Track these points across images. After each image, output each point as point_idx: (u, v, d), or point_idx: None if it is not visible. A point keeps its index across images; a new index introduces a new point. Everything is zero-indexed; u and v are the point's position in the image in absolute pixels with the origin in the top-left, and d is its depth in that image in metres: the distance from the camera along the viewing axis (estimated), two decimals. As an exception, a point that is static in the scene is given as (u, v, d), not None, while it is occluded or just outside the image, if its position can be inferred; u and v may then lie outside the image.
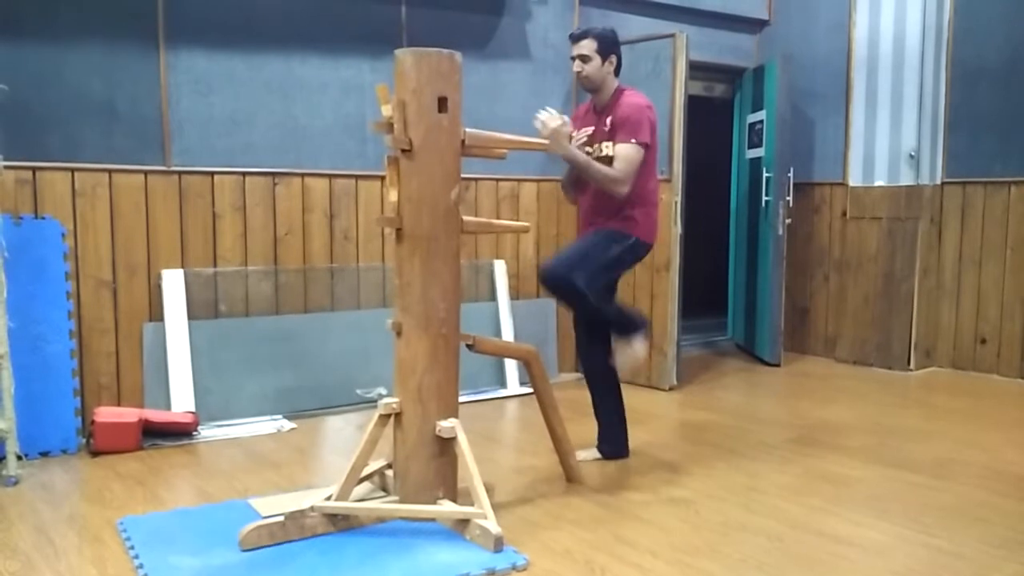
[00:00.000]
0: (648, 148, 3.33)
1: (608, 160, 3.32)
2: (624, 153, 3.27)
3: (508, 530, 2.75)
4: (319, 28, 4.40)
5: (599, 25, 3.56)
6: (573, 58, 3.39)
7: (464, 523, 2.71)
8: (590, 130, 3.42)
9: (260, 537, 2.63)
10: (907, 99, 5.43)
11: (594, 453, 3.60)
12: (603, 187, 3.29)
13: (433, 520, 2.81)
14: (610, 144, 3.34)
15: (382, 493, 2.98)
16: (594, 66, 3.35)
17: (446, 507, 2.80)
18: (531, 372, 3.20)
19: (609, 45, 3.37)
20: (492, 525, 2.61)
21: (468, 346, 3.01)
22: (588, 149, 3.40)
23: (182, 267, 4.11)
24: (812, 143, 5.97)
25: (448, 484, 2.86)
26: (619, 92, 3.42)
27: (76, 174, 3.84)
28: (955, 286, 5.52)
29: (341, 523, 2.76)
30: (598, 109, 3.45)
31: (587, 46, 3.34)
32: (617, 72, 3.44)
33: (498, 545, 2.58)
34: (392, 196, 2.76)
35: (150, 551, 2.60)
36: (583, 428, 3.72)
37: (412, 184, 2.74)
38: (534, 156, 5.04)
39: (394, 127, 2.72)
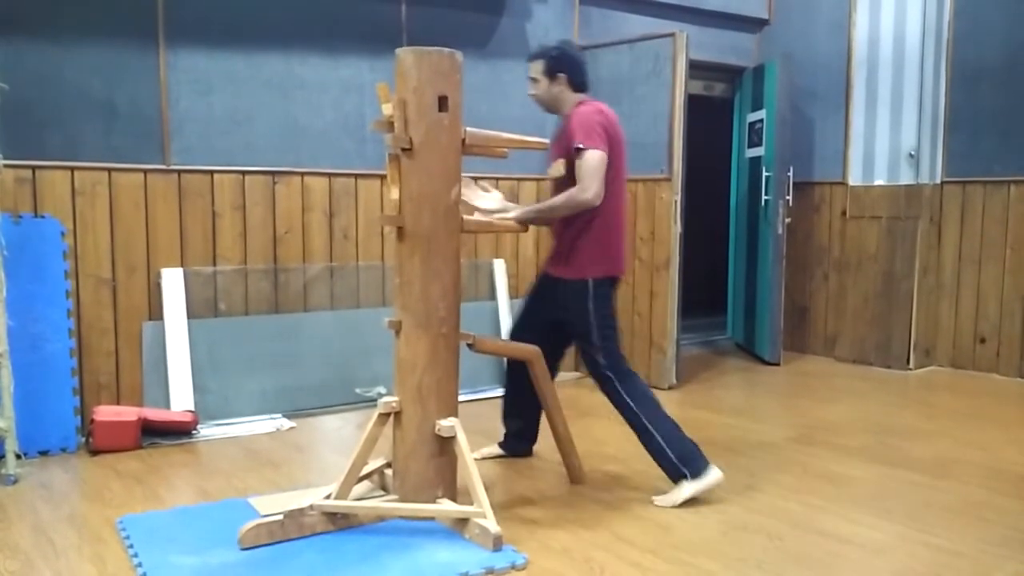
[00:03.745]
0: (612, 162, 3.10)
1: (562, 177, 3.18)
2: (583, 162, 3.03)
3: (508, 529, 2.75)
4: (319, 27, 4.40)
5: (555, 43, 3.32)
6: (528, 80, 3.30)
7: (463, 522, 2.71)
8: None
9: (259, 536, 2.63)
10: (907, 99, 5.43)
11: (497, 449, 3.62)
12: (572, 212, 3.09)
13: (432, 519, 2.81)
14: (560, 161, 3.19)
15: (382, 492, 2.98)
16: (541, 87, 3.25)
17: (445, 506, 2.80)
18: (533, 372, 3.19)
19: (557, 64, 3.20)
20: (491, 524, 2.61)
21: (468, 345, 3.01)
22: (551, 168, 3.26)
23: (182, 266, 4.11)
24: (812, 142, 5.96)
25: (447, 483, 2.86)
26: (576, 106, 3.21)
27: (76, 173, 3.84)
28: (955, 285, 5.52)
29: (340, 522, 2.76)
30: (562, 127, 3.28)
31: (534, 68, 3.25)
32: (579, 86, 3.25)
33: (497, 544, 2.58)
34: (393, 194, 2.76)
35: (149, 550, 2.60)
36: (583, 427, 3.72)
37: (413, 183, 2.74)
38: (535, 156, 5.04)
39: (395, 126, 2.72)
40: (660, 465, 3.14)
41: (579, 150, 3.04)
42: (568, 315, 3.21)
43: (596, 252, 3.16)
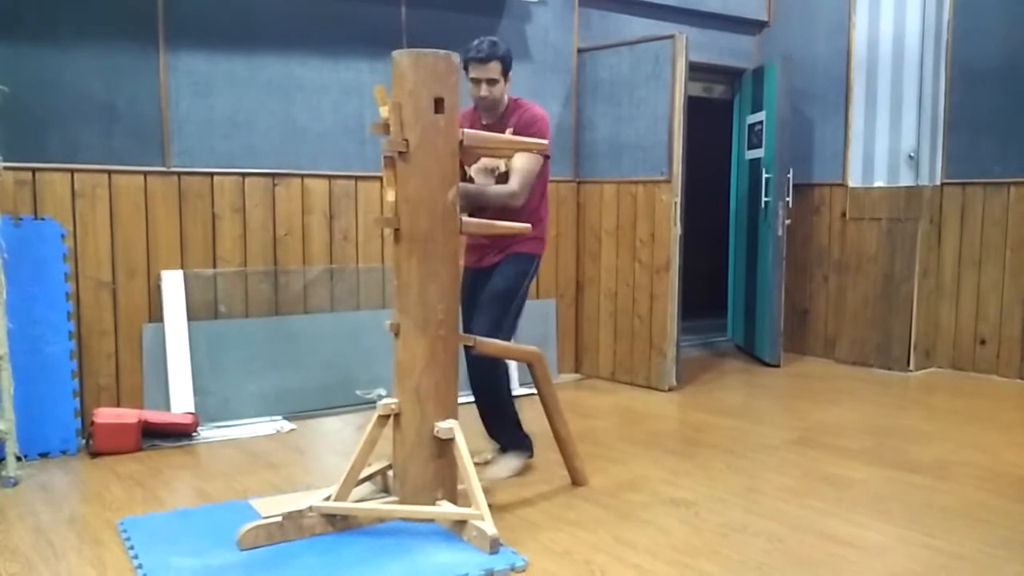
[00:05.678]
0: (547, 159, 3.34)
1: (504, 174, 3.27)
2: (523, 164, 3.22)
3: (508, 531, 2.75)
4: (319, 29, 4.41)
5: (495, 39, 3.25)
6: (477, 80, 3.19)
7: (462, 524, 2.71)
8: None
9: (258, 537, 2.63)
10: (906, 100, 5.43)
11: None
12: (501, 205, 3.22)
13: (432, 521, 2.81)
14: (507, 159, 3.28)
15: (384, 494, 2.98)
16: (500, 88, 3.23)
17: (442, 508, 2.79)
18: (535, 374, 3.18)
19: (511, 64, 3.26)
20: (488, 526, 2.61)
21: (469, 347, 3.00)
22: (497, 163, 3.29)
23: (181, 268, 4.11)
24: (811, 144, 5.97)
25: (447, 485, 2.85)
26: (514, 102, 3.34)
27: (76, 175, 3.84)
28: (954, 287, 5.52)
29: (340, 523, 2.76)
30: (487, 120, 3.34)
31: (495, 69, 3.19)
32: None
33: (494, 546, 2.58)
34: (389, 196, 2.76)
35: (150, 551, 2.60)
36: (584, 429, 3.72)
37: (409, 185, 2.74)
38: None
39: (390, 128, 2.72)
40: (512, 432, 3.45)
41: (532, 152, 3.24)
42: (496, 287, 3.32)
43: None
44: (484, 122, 3.35)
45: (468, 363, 3.21)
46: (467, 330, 3.30)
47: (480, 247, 3.41)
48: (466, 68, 3.22)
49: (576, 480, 3.30)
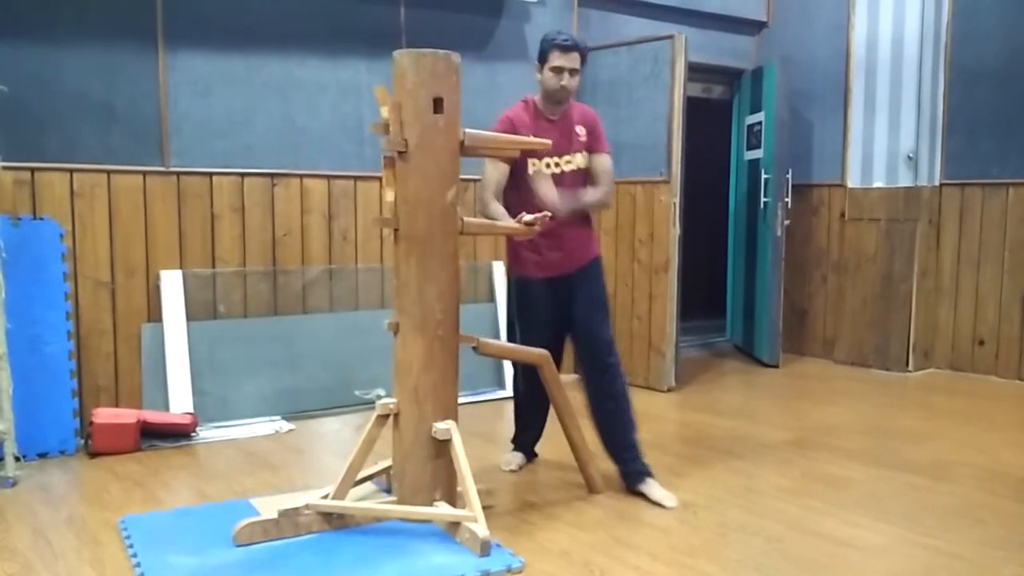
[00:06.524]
0: None
1: (581, 170, 3.23)
2: (609, 165, 3.28)
3: (506, 531, 2.75)
4: (318, 29, 4.41)
5: (565, 32, 3.24)
6: (560, 69, 3.11)
7: (456, 525, 2.70)
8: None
9: (253, 533, 2.64)
10: (905, 101, 5.44)
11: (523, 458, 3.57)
12: (601, 209, 3.32)
13: (429, 521, 2.80)
14: (582, 154, 3.23)
15: (384, 494, 2.97)
16: (577, 80, 3.19)
17: (437, 509, 2.79)
18: (544, 377, 3.12)
19: (587, 56, 3.28)
20: (480, 528, 2.60)
21: (473, 348, 2.98)
22: (558, 160, 3.20)
23: (180, 268, 4.11)
24: (810, 145, 5.97)
25: (444, 485, 2.85)
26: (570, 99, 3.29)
27: (75, 175, 3.84)
28: (953, 287, 5.52)
29: (336, 522, 2.76)
30: (552, 116, 3.23)
31: (577, 59, 3.13)
32: None
33: (484, 549, 2.56)
34: (388, 196, 2.76)
35: (149, 550, 2.60)
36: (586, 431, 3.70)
37: (408, 185, 2.74)
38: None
39: (390, 128, 2.72)
40: (635, 458, 3.20)
41: (608, 152, 3.29)
42: (597, 293, 3.29)
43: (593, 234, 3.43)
44: (551, 118, 3.22)
45: (600, 372, 3.21)
46: (593, 338, 3.23)
47: (564, 250, 3.22)
48: (544, 57, 3.16)
49: (592, 488, 3.22)
